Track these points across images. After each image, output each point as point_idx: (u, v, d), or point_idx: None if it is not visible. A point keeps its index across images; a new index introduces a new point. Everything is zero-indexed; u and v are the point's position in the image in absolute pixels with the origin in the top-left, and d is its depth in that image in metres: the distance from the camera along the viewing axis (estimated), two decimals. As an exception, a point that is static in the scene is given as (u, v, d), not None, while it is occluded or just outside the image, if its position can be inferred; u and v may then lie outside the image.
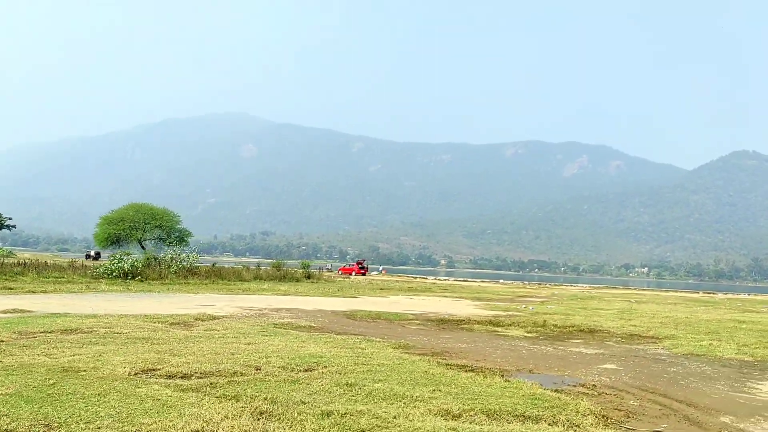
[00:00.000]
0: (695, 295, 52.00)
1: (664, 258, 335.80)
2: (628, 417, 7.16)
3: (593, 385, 8.91)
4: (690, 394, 8.69)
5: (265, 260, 79.63)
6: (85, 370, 8.00)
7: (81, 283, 28.11)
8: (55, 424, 5.65)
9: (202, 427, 5.72)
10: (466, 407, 6.91)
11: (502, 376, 9.12)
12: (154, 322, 13.94)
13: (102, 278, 30.54)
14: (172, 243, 44.69)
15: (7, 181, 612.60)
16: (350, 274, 66.22)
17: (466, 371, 9.34)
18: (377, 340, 12.71)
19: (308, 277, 44.10)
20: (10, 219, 74.06)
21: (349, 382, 7.98)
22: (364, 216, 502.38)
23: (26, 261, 37.84)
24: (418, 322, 17.63)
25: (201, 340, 11.35)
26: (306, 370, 8.75)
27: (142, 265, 33.46)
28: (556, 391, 8.25)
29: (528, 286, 57.64)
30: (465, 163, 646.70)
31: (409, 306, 24.17)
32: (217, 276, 36.11)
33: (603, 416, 7.00)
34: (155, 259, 37.43)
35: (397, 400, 7.13)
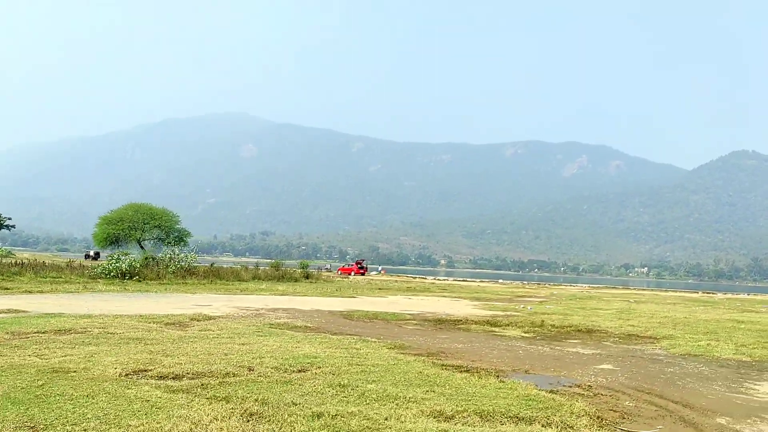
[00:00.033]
0: (694, 295, 51.92)
1: (663, 258, 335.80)
2: (623, 418, 7.08)
3: (589, 385, 8.84)
4: (686, 394, 8.61)
5: (265, 260, 79.60)
6: (75, 371, 7.93)
7: (78, 283, 28.04)
8: (41, 426, 5.57)
9: (190, 429, 5.65)
10: (460, 408, 6.83)
11: (497, 376, 9.05)
12: (149, 323, 13.87)
13: (99, 278, 30.47)
14: (170, 243, 44.65)
15: (7, 181, 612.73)
16: (349, 274, 66.11)
17: (461, 372, 9.26)
18: (373, 340, 12.64)
19: (307, 277, 44.04)
20: (9, 219, 74.03)
21: (342, 382, 7.90)
22: (364, 216, 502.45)
23: (24, 261, 37.76)
24: (415, 322, 17.56)
25: (195, 341, 11.26)
26: (299, 371, 8.67)
27: (140, 265, 33.38)
28: (552, 391, 8.17)
29: (527, 286, 57.56)
30: (465, 163, 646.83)
31: (407, 306, 24.09)
32: (215, 276, 36.03)
33: (598, 417, 6.92)
34: (153, 259, 37.36)
35: (390, 401, 7.05)
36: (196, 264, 38.67)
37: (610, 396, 8.22)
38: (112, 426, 5.65)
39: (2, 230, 77.73)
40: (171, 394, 6.91)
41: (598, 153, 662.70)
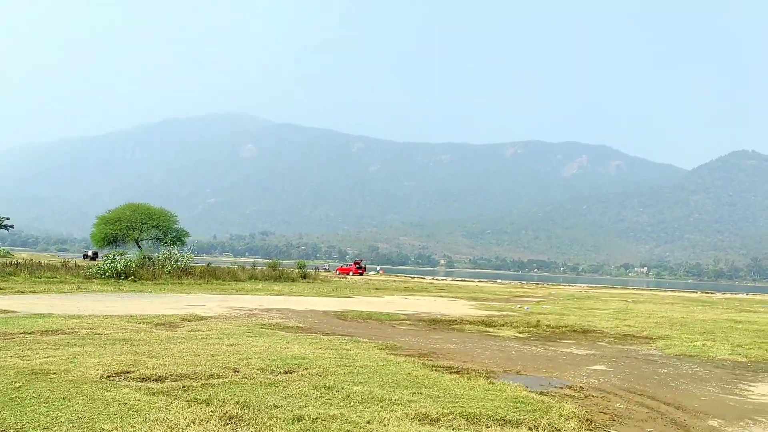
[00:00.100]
0: (693, 295, 51.75)
1: (663, 258, 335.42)
2: (613, 420, 6.93)
3: (580, 387, 8.68)
4: (679, 396, 8.46)
5: (263, 260, 79.44)
6: (55, 373, 7.77)
7: (72, 283, 27.90)
8: (11, 430, 5.42)
9: (166, 433, 5.49)
10: (446, 411, 6.68)
11: (487, 377, 8.89)
12: (139, 323, 13.72)
13: (94, 278, 30.33)
14: (168, 243, 44.49)
15: (7, 181, 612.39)
16: (347, 274, 65.95)
17: (451, 373, 9.11)
18: (364, 341, 12.49)
19: (304, 277, 43.90)
20: (7, 219, 73.93)
21: (328, 384, 7.75)
22: (364, 216, 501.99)
23: (19, 261, 37.61)
24: (409, 322, 17.41)
25: (183, 341, 11.11)
26: (285, 372, 8.52)
27: (136, 265, 33.24)
28: (542, 393, 8.02)
29: (526, 286, 57.40)
30: (465, 163, 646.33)
31: (403, 306, 23.94)
32: (211, 276, 35.88)
33: (587, 420, 6.77)
34: (149, 259, 37.21)
35: (375, 403, 6.90)
36: (192, 264, 38.53)
37: (601, 398, 8.07)
38: (85, 430, 5.50)
39: (1, 230, 77.62)
40: (150, 397, 6.75)
41: (598, 153, 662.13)
